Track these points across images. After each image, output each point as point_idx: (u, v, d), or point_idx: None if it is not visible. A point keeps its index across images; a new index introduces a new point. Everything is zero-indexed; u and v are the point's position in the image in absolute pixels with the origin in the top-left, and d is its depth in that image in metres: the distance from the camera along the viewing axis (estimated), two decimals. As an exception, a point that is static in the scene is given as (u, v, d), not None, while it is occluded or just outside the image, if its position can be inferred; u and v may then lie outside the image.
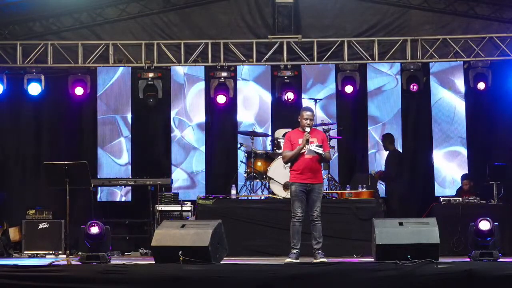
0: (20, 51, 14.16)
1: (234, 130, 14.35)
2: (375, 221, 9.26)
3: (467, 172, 14.14)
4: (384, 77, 14.62)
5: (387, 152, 13.91)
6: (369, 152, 14.50)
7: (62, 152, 14.13)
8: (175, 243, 9.10)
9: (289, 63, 14.23)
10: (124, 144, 14.59)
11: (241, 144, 13.25)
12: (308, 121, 9.97)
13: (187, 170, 14.58)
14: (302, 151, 9.91)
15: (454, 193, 13.71)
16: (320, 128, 12.32)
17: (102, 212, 13.33)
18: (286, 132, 11.41)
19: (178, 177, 14.46)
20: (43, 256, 12.61)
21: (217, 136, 14.64)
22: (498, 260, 9.33)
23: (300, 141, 9.94)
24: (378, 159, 14.31)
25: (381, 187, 13.85)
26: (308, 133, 9.92)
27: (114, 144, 14.60)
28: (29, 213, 13.15)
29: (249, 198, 12.77)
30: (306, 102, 13.74)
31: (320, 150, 9.90)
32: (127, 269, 8.72)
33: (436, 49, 14.13)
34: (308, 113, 10.06)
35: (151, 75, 14.12)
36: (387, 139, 13.92)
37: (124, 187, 14.13)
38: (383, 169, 13.96)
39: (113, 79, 14.57)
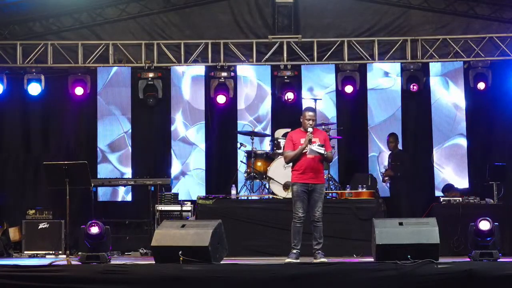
0: (20, 51, 14.16)
1: (234, 130, 14.33)
2: (375, 221, 9.25)
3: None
4: (384, 77, 14.62)
5: (396, 151, 13.77)
6: (369, 152, 14.49)
7: (62, 152, 14.15)
8: (175, 243, 9.08)
9: (289, 63, 14.23)
10: (123, 144, 14.58)
11: (241, 144, 13.25)
12: (310, 122, 9.95)
13: (187, 170, 14.58)
14: (304, 151, 9.89)
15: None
16: (320, 128, 12.31)
17: (102, 212, 13.34)
18: (286, 132, 11.40)
19: (178, 177, 14.47)
20: (43, 256, 12.58)
21: (217, 136, 14.63)
22: (498, 260, 9.32)
23: (302, 141, 9.92)
24: (379, 159, 14.30)
25: (381, 187, 13.83)
26: (310, 133, 9.91)
27: (114, 144, 14.60)
28: (29, 213, 13.13)
29: (249, 198, 12.76)
30: (306, 102, 13.72)
31: (322, 150, 9.87)
32: (127, 269, 8.72)
33: (436, 49, 14.13)
34: (311, 113, 10.04)
35: (151, 75, 14.13)
36: (395, 138, 13.81)
37: (124, 187, 14.13)
38: (386, 168, 13.90)
39: (110, 74, 14.54)
